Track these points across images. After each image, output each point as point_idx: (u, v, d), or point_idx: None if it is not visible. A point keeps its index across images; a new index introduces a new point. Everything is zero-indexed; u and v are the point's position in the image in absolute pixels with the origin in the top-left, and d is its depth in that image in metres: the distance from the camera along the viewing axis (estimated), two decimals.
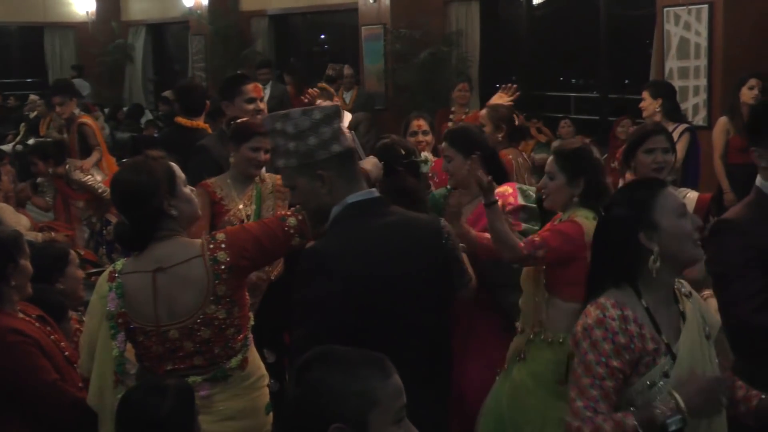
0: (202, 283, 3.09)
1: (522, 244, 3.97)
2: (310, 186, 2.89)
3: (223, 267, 3.09)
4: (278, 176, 4.71)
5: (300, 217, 3.22)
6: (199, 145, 4.96)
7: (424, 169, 4.23)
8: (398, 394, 2.14)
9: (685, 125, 6.96)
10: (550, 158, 4.19)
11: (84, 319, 3.83)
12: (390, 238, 2.91)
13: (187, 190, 3.24)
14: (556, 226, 4.10)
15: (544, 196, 4.19)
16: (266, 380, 3.44)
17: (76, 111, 8.18)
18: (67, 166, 7.36)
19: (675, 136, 7.05)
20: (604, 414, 2.57)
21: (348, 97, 10.03)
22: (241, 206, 4.41)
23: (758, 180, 3.33)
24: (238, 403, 3.27)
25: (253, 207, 4.47)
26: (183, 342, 3.12)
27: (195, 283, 3.10)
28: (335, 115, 2.93)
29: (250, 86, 5.15)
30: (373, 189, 3.05)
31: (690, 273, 3.45)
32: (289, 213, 3.27)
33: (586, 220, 4.05)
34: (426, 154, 4.29)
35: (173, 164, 3.25)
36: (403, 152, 4.21)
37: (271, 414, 3.42)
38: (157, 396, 2.78)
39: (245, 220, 4.23)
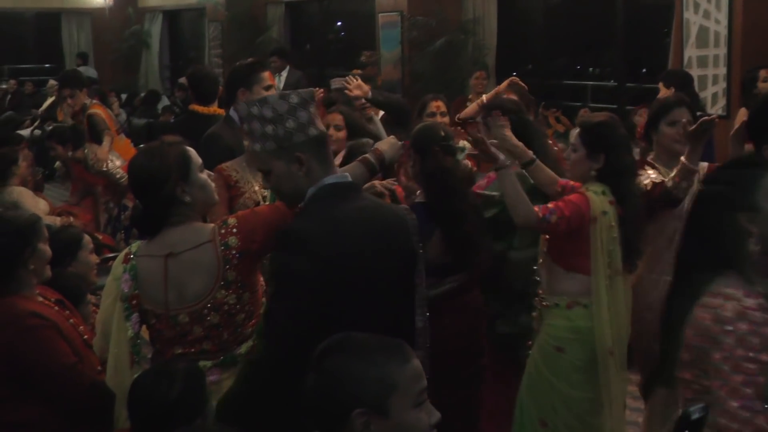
0: (212, 269, 3.08)
1: (537, 208, 3.98)
2: (286, 169, 2.91)
3: (234, 252, 3.07)
4: None
5: None
6: (211, 133, 4.94)
7: (460, 157, 4.20)
8: (417, 378, 2.15)
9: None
10: (576, 131, 4.19)
11: (92, 300, 3.86)
12: (363, 220, 2.95)
13: (204, 175, 3.22)
14: (567, 197, 4.08)
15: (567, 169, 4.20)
16: None
17: (87, 101, 8.20)
18: (85, 151, 7.37)
19: None
20: (761, 412, 2.42)
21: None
22: (257, 188, 4.38)
23: None
24: None
25: (270, 192, 4.45)
26: (192, 326, 3.10)
27: (205, 268, 3.08)
28: (311, 99, 2.97)
29: (267, 73, 5.14)
30: (347, 174, 3.09)
31: None
32: None
33: (594, 195, 4.04)
34: (464, 143, 4.26)
35: (190, 149, 3.23)
36: (443, 134, 4.20)
37: None
38: (167, 380, 2.78)
39: (261, 202, 4.21)
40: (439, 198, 4.14)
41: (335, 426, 2.11)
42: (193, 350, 3.14)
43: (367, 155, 3.49)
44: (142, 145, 4.79)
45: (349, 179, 3.03)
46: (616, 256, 4.04)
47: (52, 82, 14.44)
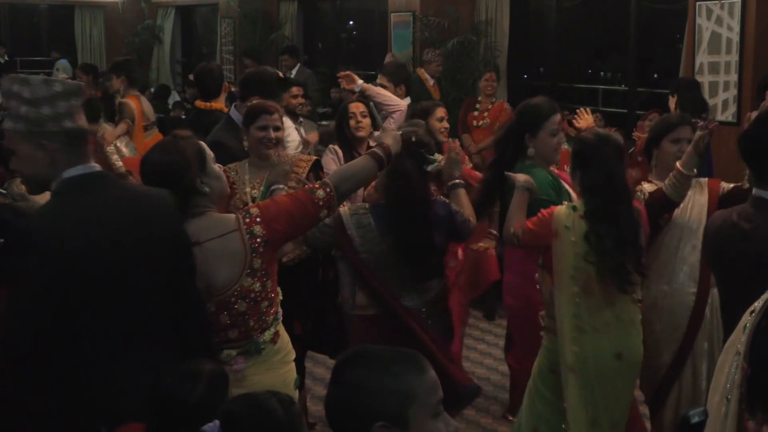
0: (239, 257, 3.14)
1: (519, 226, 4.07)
2: (31, 153, 2.90)
3: (259, 240, 3.14)
4: (301, 156, 4.73)
5: (328, 190, 3.26)
6: (215, 141, 4.89)
7: (430, 168, 4.14)
8: (434, 389, 2.15)
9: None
10: None
11: None
12: (115, 210, 2.93)
13: (216, 167, 3.27)
14: (543, 211, 4.10)
15: None
16: (293, 356, 3.46)
17: (121, 88, 8.44)
18: (99, 127, 7.50)
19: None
20: None
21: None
22: (247, 189, 4.41)
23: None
24: (270, 377, 3.31)
25: (261, 189, 4.46)
26: (219, 315, 3.17)
27: (232, 256, 3.14)
28: (76, 93, 2.94)
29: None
30: (95, 164, 3.03)
31: None
32: (317, 186, 3.31)
33: (563, 209, 4.03)
34: (438, 156, 4.22)
35: (202, 142, 3.27)
36: (414, 139, 4.15)
37: (298, 390, 3.44)
38: (191, 381, 2.78)
39: (249, 203, 4.24)
40: (392, 202, 4.14)
41: None
42: (218, 339, 3.22)
43: (374, 149, 3.54)
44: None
45: (96, 170, 2.99)
46: (584, 273, 3.95)
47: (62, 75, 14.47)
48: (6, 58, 19.38)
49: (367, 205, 4.23)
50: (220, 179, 3.25)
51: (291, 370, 3.42)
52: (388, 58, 9.93)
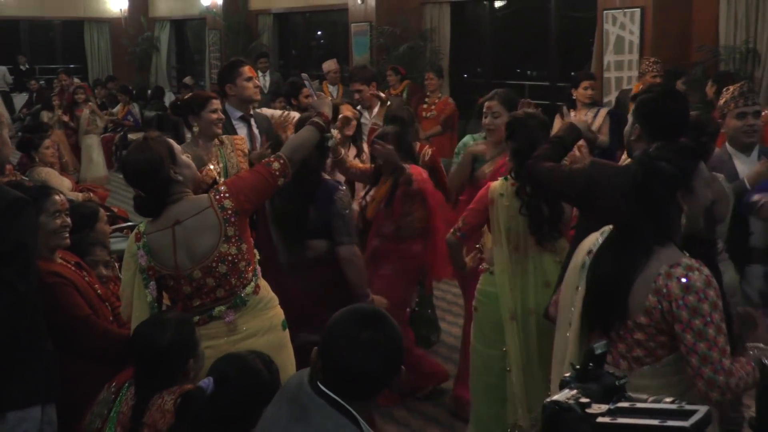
0: (215, 228, 3.13)
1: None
2: None
3: (229, 212, 3.14)
4: (235, 137, 4.69)
5: (283, 161, 3.28)
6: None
7: (330, 143, 3.93)
8: None
9: (606, 108, 7.13)
10: None
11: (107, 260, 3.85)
12: None
13: (185, 157, 3.26)
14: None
15: None
16: (276, 301, 3.43)
17: None
18: None
19: (599, 118, 7.08)
20: (739, 363, 2.40)
21: (335, 91, 9.67)
22: (211, 166, 4.38)
23: None
24: (258, 322, 3.28)
25: (221, 165, 4.44)
26: (205, 279, 3.14)
27: (209, 228, 3.13)
28: None
29: (246, 67, 5.10)
30: None
31: None
32: (272, 159, 3.31)
33: (497, 181, 3.99)
34: (334, 132, 4.04)
35: (170, 139, 3.25)
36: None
37: (287, 329, 3.43)
38: (159, 328, 2.79)
39: (217, 178, 4.20)
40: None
41: None
42: (208, 300, 3.19)
43: (314, 119, 3.55)
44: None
45: None
46: (515, 232, 3.91)
47: (76, 80, 14.30)
48: (27, 65, 19.16)
49: None
50: (190, 167, 3.24)
51: (276, 314, 3.38)
52: (332, 65, 9.69)
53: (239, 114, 5.00)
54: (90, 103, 11.67)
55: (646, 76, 7.28)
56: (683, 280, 2.40)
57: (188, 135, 8.90)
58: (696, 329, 2.37)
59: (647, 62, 7.47)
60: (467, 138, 5.15)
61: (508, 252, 3.94)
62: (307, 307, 3.82)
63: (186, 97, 4.53)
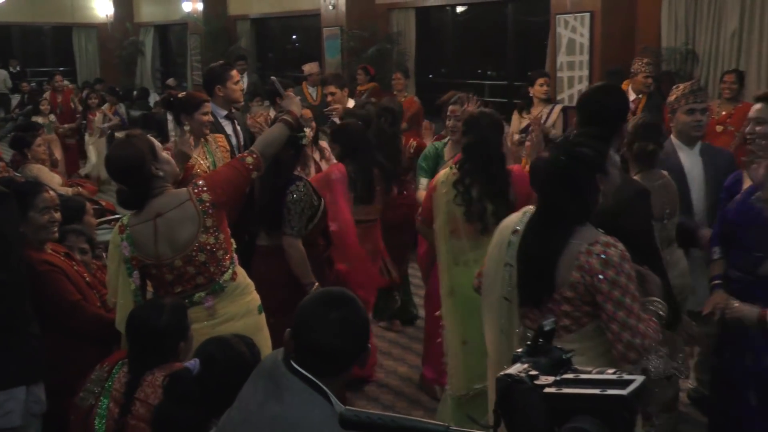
0: (194, 219, 3.12)
1: None
2: None
3: (207, 204, 3.13)
4: (217, 135, 4.67)
5: (255, 156, 3.28)
6: None
7: (303, 141, 3.95)
8: None
9: (560, 105, 7.21)
10: None
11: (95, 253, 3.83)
12: None
13: (165, 154, 3.24)
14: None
15: None
16: (253, 287, 3.43)
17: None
18: None
19: (554, 113, 7.16)
20: (644, 323, 2.48)
21: (314, 92, 9.55)
22: (201, 161, 4.38)
23: None
24: (236, 307, 3.29)
25: (210, 160, 4.42)
26: (186, 267, 3.14)
27: (189, 220, 3.12)
28: None
29: (235, 71, 5.10)
30: None
31: None
32: (246, 154, 3.31)
33: (443, 170, 4.04)
34: (306, 131, 4.02)
35: (150, 137, 3.23)
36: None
37: (263, 313, 3.42)
38: (156, 311, 2.79)
39: (207, 172, 4.18)
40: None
41: None
42: (189, 286, 3.19)
43: (284, 116, 3.54)
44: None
45: None
46: (452, 217, 3.93)
47: (65, 82, 14.13)
48: (18, 68, 18.89)
49: None
50: (170, 163, 3.21)
51: (253, 299, 3.39)
52: (313, 68, 9.56)
53: (224, 113, 4.99)
54: (103, 108, 11.61)
55: (638, 76, 7.27)
56: (602, 256, 2.45)
57: (172, 134, 8.83)
58: (615, 299, 2.45)
59: (639, 63, 7.38)
60: (430, 147, 5.12)
61: (446, 235, 3.98)
62: (279, 287, 3.84)
63: (180, 95, 4.48)
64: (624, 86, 7.27)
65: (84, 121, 12.22)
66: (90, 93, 11.91)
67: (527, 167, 4.34)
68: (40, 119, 10.74)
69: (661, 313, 2.60)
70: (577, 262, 2.49)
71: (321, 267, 4.08)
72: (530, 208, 2.75)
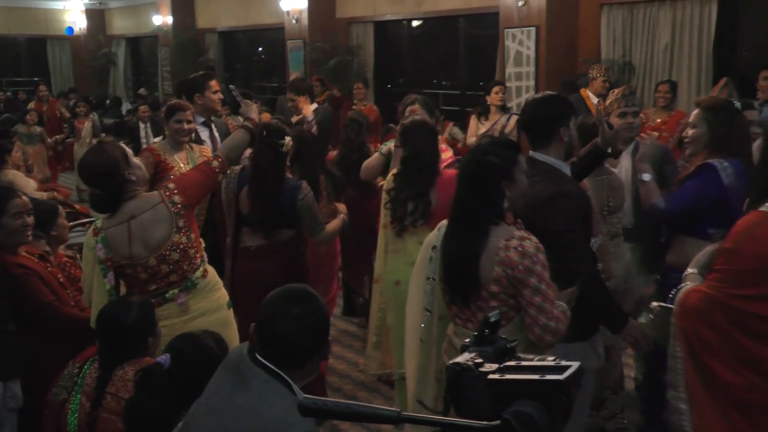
0: (167, 220, 3.10)
1: None
2: None
3: (179, 206, 3.13)
4: (202, 147, 4.64)
5: (221, 160, 3.30)
6: None
7: (283, 149, 3.89)
8: None
9: (514, 114, 7.25)
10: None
11: (69, 253, 3.77)
12: None
13: (136, 159, 3.23)
14: None
15: None
16: (221, 284, 3.42)
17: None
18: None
19: (511, 122, 7.24)
20: (557, 310, 2.54)
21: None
22: (182, 165, 4.35)
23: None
24: (207, 302, 3.27)
25: (189, 166, 4.38)
26: (160, 266, 3.12)
27: (162, 221, 3.10)
28: None
29: (214, 81, 5.05)
30: None
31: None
32: (212, 158, 3.31)
33: (389, 175, 4.10)
34: (287, 139, 3.93)
35: (122, 144, 3.22)
36: (265, 133, 3.87)
37: (232, 308, 3.41)
38: (125, 309, 2.76)
39: None
40: (250, 174, 3.91)
41: None
42: (163, 284, 3.16)
43: (245, 123, 3.57)
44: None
45: None
46: (388, 213, 4.03)
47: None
48: None
49: (236, 169, 3.99)
50: (141, 168, 3.20)
51: (222, 296, 3.38)
52: (295, 75, 9.64)
53: (201, 120, 4.94)
54: (91, 116, 11.39)
55: (597, 80, 7.32)
56: (519, 248, 2.52)
57: (143, 141, 8.70)
58: (533, 286, 2.51)
59: (597, 69, 7.43)
60: (390, 142, 5.15)
61: (384, 228, 4.09)
62: (267, 287, 3.79)
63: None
64: (583, 93, 7.37)
65: (69, 130, 11.91)
66: (78, 102, 11.65)
67: None
68: (22, 129, 10.51)
69: (567, 308, 2.64)
70: (498, 257, 2.54)
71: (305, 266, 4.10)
72: (444, 223, 2.83)
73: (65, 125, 12.07)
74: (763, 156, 2.50)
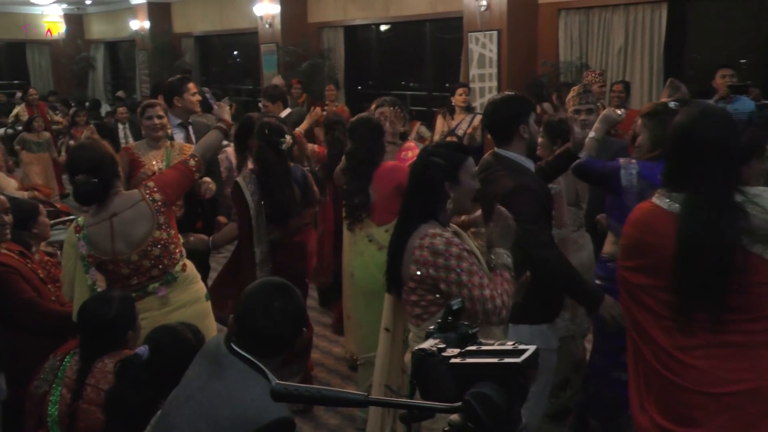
0: (149, 217, 3.09)
1: None
2: None
3: (159, 203, 3.12)
4: (185, 144, 4.58)
5: (197, 159, 3.29)
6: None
7: (283, 146, 3.94)
8: None
9: (479, 114, 7.24)
10: None
11: (49, 251, 3.71)
12: None
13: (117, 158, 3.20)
14: None
15: None
16: (199, 277, 3.41)
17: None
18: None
19: (475, 121, 7.27)
20: (494, 283, 2.47)
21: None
22: (154, 162, 4.30)
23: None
24: (185, 295, 3.26)
25: (164, 164, 4.33)
26: (142, 261, 3.10)
27: (144, 218, 3.08)
28: None
29: (192, 84, 5.00)
30: None
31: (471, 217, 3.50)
32: (188, 157, 3.29)
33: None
34: (287, 137, 3.99)
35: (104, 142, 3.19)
36: (266, 132, 3.93)
37: (209, 300, 3.39)
38: (106, 303, 2.73)
39: (156, 172, 4.10)
40: (259, 172, 3.96)
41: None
42: (144, 279, 3.14)
43: (218, 124, 3.56)
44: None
45: None
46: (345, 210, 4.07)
47: (18, 94, 13.59)
48: None
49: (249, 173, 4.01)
50: (122, 168, 3.19)
51: (200, 288, 3.37)
52: (277, 81, 9.47)
53: (178, 121, 4.88)
54: (90, 125, 11.18)
55: (593, 86, 7.31)
56: (430, 247, 2.44)
57: (122, 141, 8.56)
58: (454, 281, 2.42)
59: (592, 74, 7.36)
60: None
61: (347, 225, 4.13)
62: (298, 262, 4.01)
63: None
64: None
65: (67, 138, 11.66)
66: (78, 111, 11.43)
67: None
68: (30, 137, 10.28)
69: (508, 260, 2.55)
70: (413, 256, 2.49)
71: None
72: (392, 225, 2.82)
73: (56, 130, 11.78)
74: (667, 151, 2.46)
